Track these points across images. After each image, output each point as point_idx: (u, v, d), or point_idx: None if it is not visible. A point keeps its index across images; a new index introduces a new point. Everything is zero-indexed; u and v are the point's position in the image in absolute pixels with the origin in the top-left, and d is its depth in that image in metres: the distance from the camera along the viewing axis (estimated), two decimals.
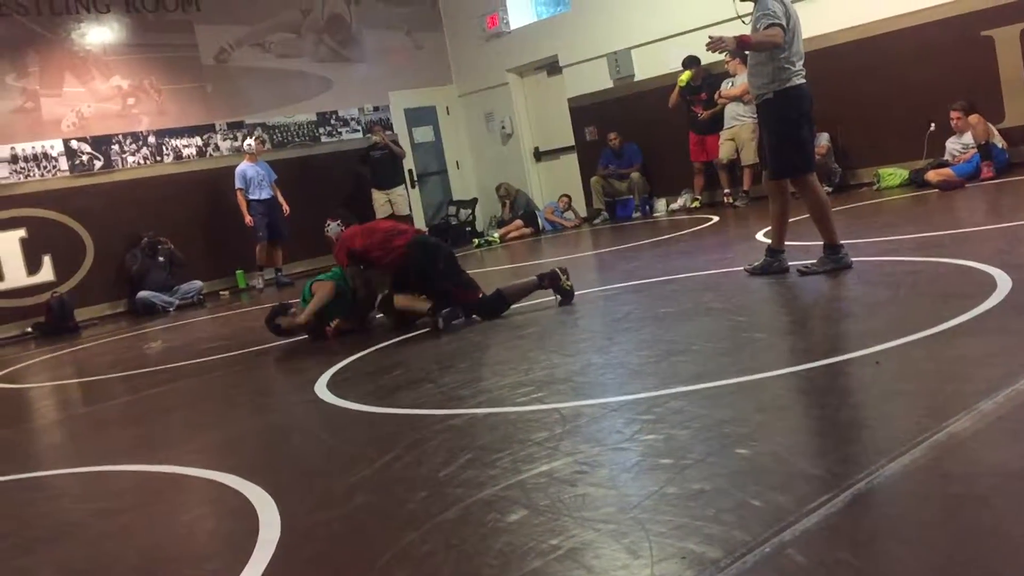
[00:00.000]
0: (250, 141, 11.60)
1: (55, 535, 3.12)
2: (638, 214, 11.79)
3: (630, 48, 11.91)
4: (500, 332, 5.41)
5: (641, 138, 11.92)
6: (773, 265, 5.51)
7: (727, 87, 10.64)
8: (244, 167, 11.34)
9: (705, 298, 5.39)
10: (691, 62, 10.64)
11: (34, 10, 10.74)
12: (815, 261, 5.30)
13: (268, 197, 11.38)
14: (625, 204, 12.08)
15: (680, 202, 11.50)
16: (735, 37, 5.12)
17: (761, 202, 8.33)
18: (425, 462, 3.11)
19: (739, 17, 5.50)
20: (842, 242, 5.32)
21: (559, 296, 5.84)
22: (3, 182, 10.43)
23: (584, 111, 12.69)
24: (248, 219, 11.19)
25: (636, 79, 11.99)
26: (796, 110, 5.29)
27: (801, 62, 5.29)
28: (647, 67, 11.79)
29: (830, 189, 9.41)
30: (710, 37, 5.21)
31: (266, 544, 2.58)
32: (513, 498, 2.61)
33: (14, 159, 10.52)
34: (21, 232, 10.50)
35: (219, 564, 2.59)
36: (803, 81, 5.29)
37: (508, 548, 2.28)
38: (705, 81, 10.82)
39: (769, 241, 5.72)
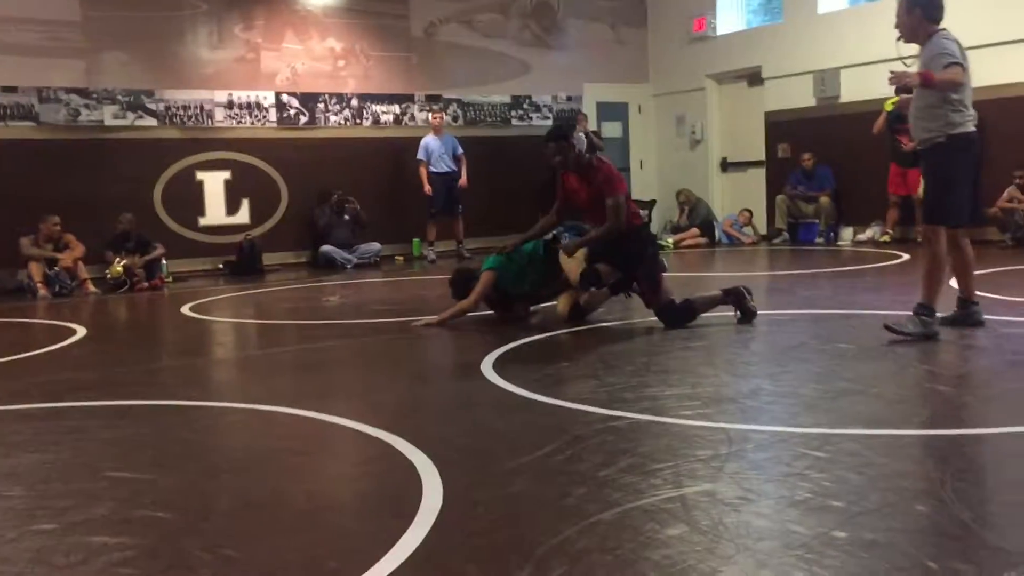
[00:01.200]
0: (426, 114, 11.96)
1: (235, 467, 3.34)
2: (821, 240, 11.38)
3: (840, 67, 11.47)
4: (669, 341, 5.36)
5: (836, 162, 11.48)
6: (966, 318, 5.20)
7: None
8: (428, 140, 11.66)
9: (888, 339, 5.15)
10: (904, 88, 10.10)
11: None
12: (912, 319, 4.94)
13: (448, 171, 11.64)
14: (809, 228, 11.67)
15: (869, 233, 11.02)
16: (919, 73, 4.85)
17: None
18: (585, 459, 3.13)
19: (901, 59, 5.19)
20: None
21: (740, 314, 5.72)
22: (218, 125, 11.17)
23: (780, 127, 12.33)
24: (427, 188, 11.49)
25: (841, 100, 11.55)
26: (972, 155, 4.99)
27: (972, 107, 4.98)
28: (854, 89, 11.32)
29: (1011, 244, 8.93)
30: (891, 72, 4.95)
31: (428, 512, 2.66)
32: (673, 512, 2.59)
33: (230, 105, 11.23)
34: (226, 174, 11.26)
35: (381, 522, 2.69)
36: (974, 128, 4.98)
37: (666, 562, 2.27)
38: None
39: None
